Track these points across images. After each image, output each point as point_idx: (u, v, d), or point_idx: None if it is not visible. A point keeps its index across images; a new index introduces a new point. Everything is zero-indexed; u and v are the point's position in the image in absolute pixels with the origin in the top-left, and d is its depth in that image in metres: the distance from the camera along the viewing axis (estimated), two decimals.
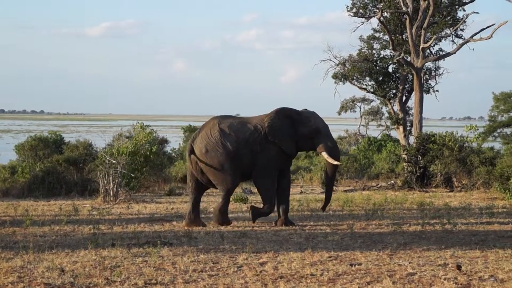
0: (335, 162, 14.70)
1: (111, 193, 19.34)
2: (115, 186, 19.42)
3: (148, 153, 23.61)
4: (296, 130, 14.56)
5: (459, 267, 9.89)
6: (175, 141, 41.83)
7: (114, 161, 20.02)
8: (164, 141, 32.49)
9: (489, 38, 28.17)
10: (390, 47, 30.88)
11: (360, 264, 10.30)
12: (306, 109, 15.04)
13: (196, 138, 14.56)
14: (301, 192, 22.66)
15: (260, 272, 9.81)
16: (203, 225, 14.41)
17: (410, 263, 10.40)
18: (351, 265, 10.25)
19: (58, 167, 23.20)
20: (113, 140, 26.85)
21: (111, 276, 9.47)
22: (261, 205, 14.84)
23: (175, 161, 32.16)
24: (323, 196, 20.74)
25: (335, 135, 53.64)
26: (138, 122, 27.93)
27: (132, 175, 21.45)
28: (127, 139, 26.33)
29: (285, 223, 14.49)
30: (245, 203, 18.74)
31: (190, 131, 39.25)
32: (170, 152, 35.30)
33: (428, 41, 29.88)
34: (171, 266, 10.14)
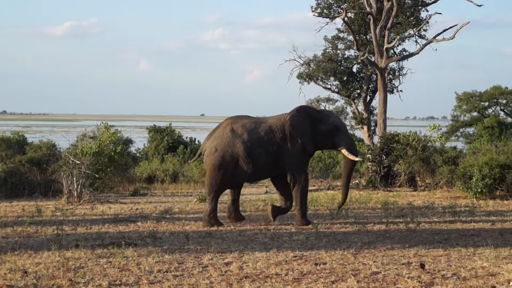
0: (356, 158, 14.90)
1: (75, 194, 19.18)
2: (79, 186, 19.27)
3: (112, 153, 23.48)
4: (315, 128, 14.66)
5: (422, 266, 9.98)
6: (139, 141, 41.64)
7: (78, 162, 19.87)
8: (128, 141, 32.31)
9: (452, 39, 28.43)
10: (355, 47, 31.02)
11: (325, 264, 10.34)
12: (324, 109, 15.25)
13: (210, 137, 14.74)
14: (266, 192, 22.68)
15: (225, 272, 9.81)
16: (242, 219, 14.90)
17: (374, 262, 10.46)
18: (316, 264, 10.29)
19: (21, 167, 22.96)
20: (77, 140, 26.60)
21: (75, 277, 9.40)
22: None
23: (140, 161, 32.05)
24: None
25: None
26: (102, 122, 27.74)
27: (96, 176, 21.31)
28: (91, 140, 26.12)
29: (274, 217, 14.80)
30: None
31: (155, 131, 39.13)
32: (135, 152, 35.15)
33: (391, 42, 30.07)
34: (136, 267, 10.09)
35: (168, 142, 37.74)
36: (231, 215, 14.94)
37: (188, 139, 39.58)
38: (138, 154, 35.57)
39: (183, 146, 36.41)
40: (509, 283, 8.83)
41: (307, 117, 14.63)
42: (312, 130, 14.59)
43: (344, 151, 14.80)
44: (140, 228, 14.27)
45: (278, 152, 14.36)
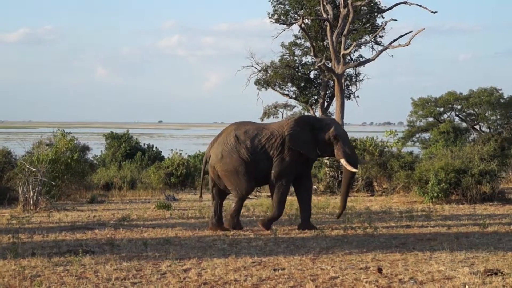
0: (353, 170, 14.87)
1: (31, 202, 18.95)
2: (35, 194, 19.05)
3: (69, 160, 23.24)
4: (316, 136, 14.75)
5: (380, 270, 10.05)
6: (96, 148, 41.30)
7: (34, 169, 19.64)
8: (85, 148, 32.08)
9: (407, 45, 28.72)
10: (312, 54, 31.17)
11: (283, 269, 10.36)
12: (326, 116, 15.21)
13: (214, 144, 14.88)
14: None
15: (184, 279, 9.78)
16: (225, 230, 14.64)
17: (332, 267, 10.51)
18: (275, 270, 10.30)
19: None
20: (33, 147, 26.31)
21: (31, 286, 9.29)
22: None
23: (97, 168, 31.82)
24: (246, 202, 20.83)
25: None
26: (58, 129, 27.47)
27: (53, 183, 21.08)
28: (47, 147, 25.86)
29: (308, 227, 14.69)
30: (168, 209, 18.62)
31: (112, 138, 38.88)
32: (92, 159, 34.88)
33: (348, 48, 30.29)
34: (93, 275, 10.01)
35: (126, 149, 37.54)
36: (214, 224, 14.87)
37: (146, 146, 39.41)
38: (95, 161, 35.31)
39: (141, 153, 36.25)
40: (464, 286, 8.94)
41: (306, 127, 14.73)
42: (313, 138, 14.71)
43: (342, 161, 14.84)
44: (98, 235, 14.15)
45: (275, 158, 14.48)
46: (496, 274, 9.63)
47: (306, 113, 39.91)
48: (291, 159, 14.47)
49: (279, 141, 14.51)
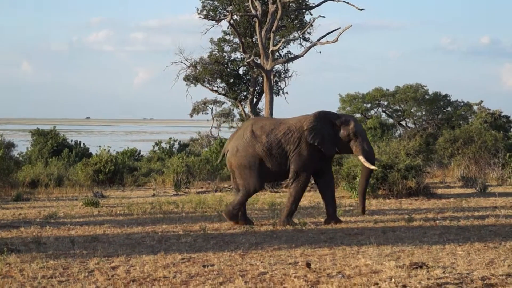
0: (372, 167, 14.99)
1: None
2: None
3: None
4: (335, 133, 14.80)
5: (308, 265, 10.13)
6: (22, 145, 40.60)
7: None
8: (10, 145, 31.50)
9: (335, 42, 28.96)
10: (241, 50, 31.19)
11: (212, 265, 10.36)
12: (345, 113, 15.19)
13: (232, 138, 15.05)
14: (154, 195, 22.53)
15: (112, 276, 9.69)
16: (250, 223, 14.73)
17: (261, 262, 10.55)
18: (204, 266, 10.29)
19: None
20: None
21: None
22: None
23: (23, 165, 31.23)
24: (175, 198, 20.79)
25: (187, 137, 53.37)
26: None
27: None
28: None
29: (335, 221, 14.82)
30: (96, 207, 18.41)
31: (39, 134, 38.22)
32: (17, 156, 34.24)
33: (277, 44, 30.41)
34: (19, 273, 9.83)
35: (52, 145, 36.95)
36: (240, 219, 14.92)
37: (73, 142, 38.88)
38: (21, 158, 34.67)
39: (68, 150, 35.76)
40: (391, 279, 9.07)
41: (325, 123, 14.79)
42: (332, 134, 14.76)
43: (361, 157, 14.90)
44: (23, 233, 13.91)
45: (292, 153, 14.57)
46: (421, 267, 9.80)
47: (236, 109, 40.01)
48: (308, 155, 14.54)
49: (296, 135, 14.59)
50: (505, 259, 10.56)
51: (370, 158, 15.01)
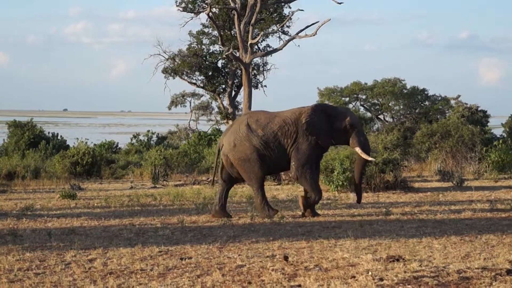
0: (370, 158, 15.20)
1: None
2: None
3: None
4: (332, 125, 14.84)
5: (286, 258, 10.14)
6: None
7: None
8: None
9: (314, 35, 29.05)
10: (219, 43, 31.19)
11: (190, 258, 10.35)
12: (341, 106, 15.24)
13: (227, 133, 15.00)
14: (131, 188, 22.46)
15: (89, 268, 9.66)
16: (228, 216, 14.66)
17: (239, 255, 10.56)
18: (181, 259, 10.29)
19: None
20: None
21: None
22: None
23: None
24: (153, 191, 20.74)
25: (165, 129, 53.21)
26: None
27: None
28: None
29: (313, 215, 14.90)
30: (73, 199, 18.33)
31: (15, 126, 37.94)
32: None
33: (256, 37, 30.42)
34: None
35: (29, 137, 36.69)
36: (217, 212, 14.93)
37: (50, 135, 38.66)
38: None
39: (45, 142, 35.53)
40: (368, 272, 9.11)
41: (322, 115, 14.86)
42: (328, 127, 14.80)
43: (357, 149, 14.98)
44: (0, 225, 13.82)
45: (290, 146, 14.64)
46: (398, 260, 9.85)
47: (215, 102, 39.96)
48: (307, 146, 14.62)
49: (293, 129, 14.67)
50: (481, 252, 10.64)
51: (367, 149, 15.17)
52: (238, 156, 14.68)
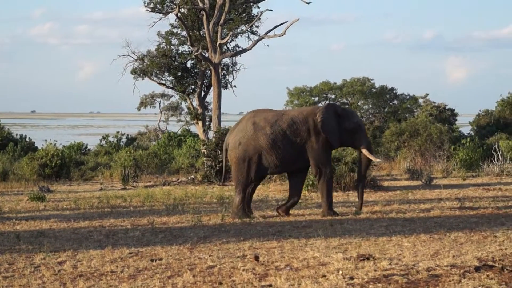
0: (377, 159, 15.65)
1: None
2: None
3: None
4: (341, 125, 14.94)
5: (257, 258, 10.16)
6: None
7: None
8: None
9: (283, 35, 29.09)
10: (188, 43, 31.10)
11: (161, 259, 10.33)
12: (349, 107, 15.39)
13: (233, 131, 15.03)
14: (101, 189, 22.34)
15: (59, 271, 9.59)
16: (251, 217, 14.72)
17: (210, 256, 10.55)
18: (152, 260, 10.26)
19: None
20: None
21: None
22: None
23: None
24: (123, 192, 20.65)
25: (135, 130, 52.89)
26: None
27: None
28: None
29: (287, 213, 15.03)
30: (42, 201, 18.18)
31: None
32: None
33: (225, 37, 30.39)
34: None
35: None
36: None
37: (18, 136, 38.35)
38: None
39: (13, 144, 35.23)
40: (338, 271, 9.15)
41: (334, 114, 14.96)
42: (338, 127, 14.91)
43: (364, 150, 15.12)
44: None
45: (302, 145, 14.67)
46: (368, 259, 9.91)
47: (184, 103, 39.85)
48: (321, 145, 14.72)
49: (303, 128, 14.72)
50: (449, 250, 10.73)
51: (371, 150, 15.46)
52: (238, 155, 14.69)
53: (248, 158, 14.61)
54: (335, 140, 14.92)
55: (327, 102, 14.58)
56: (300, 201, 17.63)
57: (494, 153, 25.54)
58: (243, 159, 14.64)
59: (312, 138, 14.73)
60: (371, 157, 15.25)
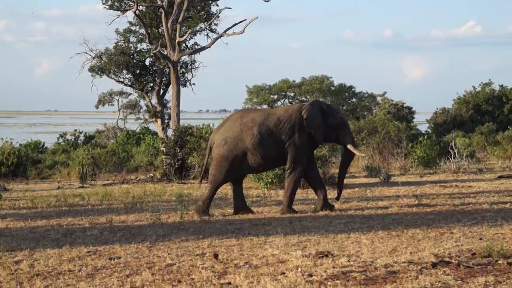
0: (362, 154, 15.97)
1: None
2: None
3: None
4: (325, 121, 15.07)
5: (216, 256, 10.15)
6: None
7: None
8: None
9: (242, 33, 29.13)
10: (147, 41, 31.00)
11: (119, 258, 10.26)
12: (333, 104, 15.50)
13: (219, 130, 14.99)
14: (59, 188, 22.13)
15: (15, 271, 9.48)
16: (251, 212, 14.94)
17: (169, 254, 10.52)
18: (110, 259, 10.19)
19: None
20: None
21: None
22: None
23: None
24: (81, 190, 20.48)
25: (93, 129, 52.56)
26: None
27: None
28: None
29: (326, 207, 15.18)
30: None
31: None
32: None
33: (183, 35, 30.32)
34: None
35: None
36: (239, 209, 15.02)
37: None
38: None
39: None
40: (297, 269, 9.18)
41: (320, 111, 15.11)
42: (323, 123, 15.06)
43: (349, 146, 15.35)
44: None
45: (286, 142, 14.75)
46: (327, 256, 9.95)
47: (143, 101, 39.70)
48: (302, 143, 14.81)
49: (288, 125, 14.80)
50: (407, 246, 10.83)
51: (355, 145, 15.83)
52: (222, 153, 14.70)
53: (232, 158, 14.64)
54: (320, 135, 15.06)
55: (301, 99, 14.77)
56: (259, 198, 17.73)
57: (451, 150, 25.86)
58: (226, 158, 14.65)
59: (295, 135, 14.84)
60: (356, 151, 15.65)
